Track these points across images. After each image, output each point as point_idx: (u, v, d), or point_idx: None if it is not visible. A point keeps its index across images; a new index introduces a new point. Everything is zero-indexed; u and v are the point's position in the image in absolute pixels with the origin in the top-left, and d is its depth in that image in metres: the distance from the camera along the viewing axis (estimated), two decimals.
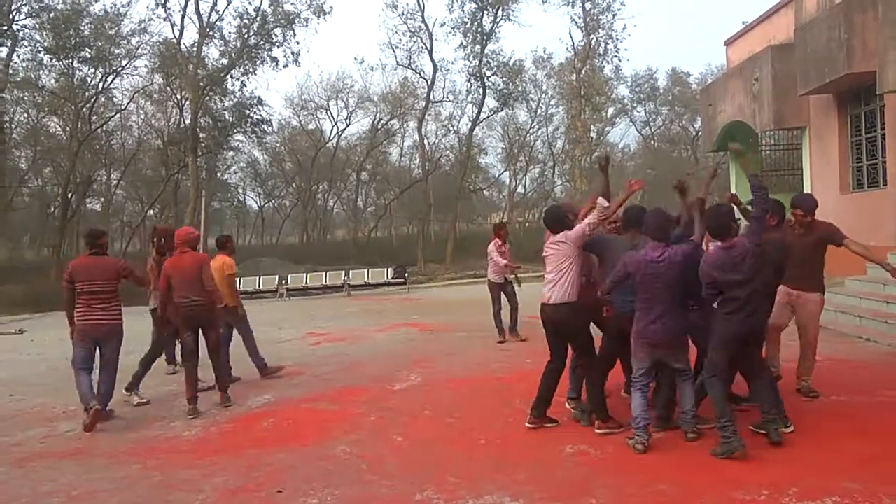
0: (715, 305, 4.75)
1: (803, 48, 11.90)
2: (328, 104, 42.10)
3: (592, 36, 30.53)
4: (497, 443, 5.02)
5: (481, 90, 34.67)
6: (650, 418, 4.80)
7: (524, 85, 37.99)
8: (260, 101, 31.39)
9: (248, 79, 30.47)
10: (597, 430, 5.02)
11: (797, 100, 12.88)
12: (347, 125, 43.17)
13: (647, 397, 4.87)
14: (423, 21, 33.87)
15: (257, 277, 21.50)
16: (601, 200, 5.04)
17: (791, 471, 4.10)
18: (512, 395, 6.22)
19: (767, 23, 14.93)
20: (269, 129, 34.54)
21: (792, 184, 14.53)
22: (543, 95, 41.24)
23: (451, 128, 41.48)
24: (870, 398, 5.57)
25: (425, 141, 39.19)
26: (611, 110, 41.61)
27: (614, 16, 30.57)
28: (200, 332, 6.45)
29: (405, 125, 41.68)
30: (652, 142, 46.87)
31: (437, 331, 10.77)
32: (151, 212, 36.85)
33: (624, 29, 40.78)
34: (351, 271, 21.45)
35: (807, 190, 13.34)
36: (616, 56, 32.21)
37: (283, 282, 21.02)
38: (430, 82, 35.58)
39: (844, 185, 12.47)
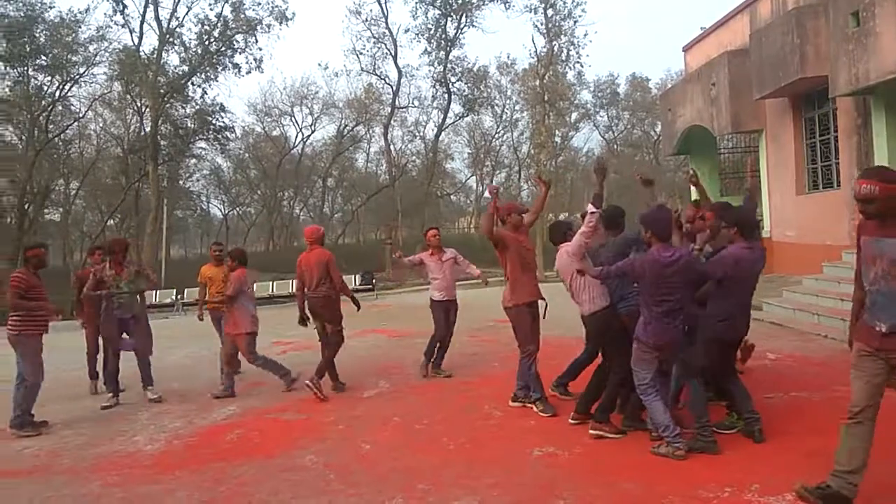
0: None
1: (758, 53, 12.22)
2: (292, 110, 41.89)
3: (555, 42, 30.86)
4: (466, 447, 5.03)
5: (446, 96, 34.84)
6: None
7: (489, 90, 38.37)
8: (222, 108, 31.14)
9: (209, 85, 30.18)
10: (591, 431, 5.01)
11: (753, 104, 13.21)
12: (312, 131, 43.06)
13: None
14: (387, 27, 33.94)
15: None
16: (589, 207, 5.02)
17: (752, 468, 4.19)
18: (480, 399, 6.24)
19: (724, 28, 15.30)
20: (232, 135, 34.23)
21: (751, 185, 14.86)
22: (508, 101, 41.68)
23: (416, 133, 41.68)
24: (827, 394, 5.71)
25: (391, 147, 39.19)
26: (574, 115, 42.17)
27: (575, 22, 30.97)
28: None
29: (371, 131, 41.73)
30: (615, 146, 47.53)
31: (406, 336, 10.73)
32: (112, 221, 36.06)
33: (585, 35, 41.68)
34: None
35: (764, 192, 13.68)
36: (578, 62, 32.63)
37: None
38: (395, 88, 35.62)
39: (801, 187, 12.82)
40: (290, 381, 7.28)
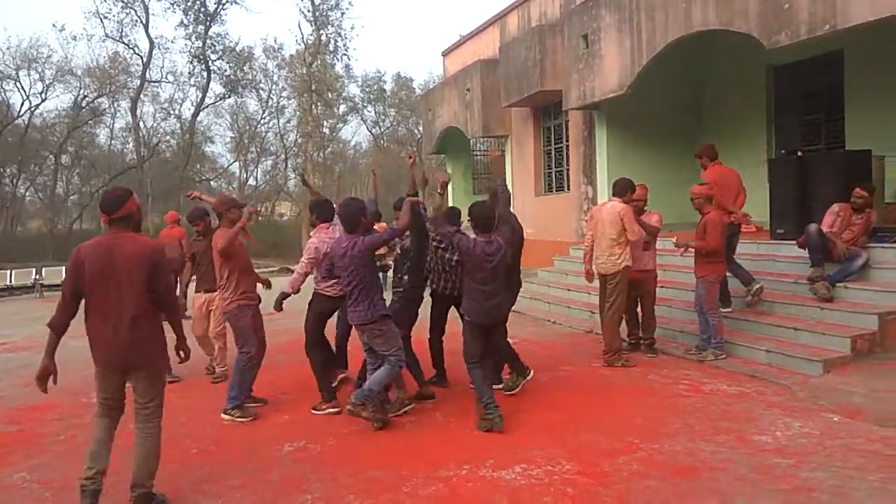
0: None
1: (506, 64, 13.32)
2: (17, 74, 35.80)
3: (322, 31, 30.58)
4: (211, 450, 4.77)
5: (205, 74, 32.65)
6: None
7: (254, 73, 36.69)
8: None
9: None
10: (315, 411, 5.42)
11: (501, 111, 14.38)
12: (43, 100, 37.25)
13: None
14: None
15: None
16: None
17: (487, 446, 4.56)
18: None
19: (478, 38, 16.41)
20: None
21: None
22: (274, 86, 40.21)
23: (171, 111, 38.29)
24: (552, 374, 6.42)
25: (141, 123, 35.63)
26: (343, 108, 42.18)
27: (343, 14, 30.97)
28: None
29: (116, 105, 37.31)
30: (382, 141, 48.56)
31: None
32: None
33: (352, 28, 41.73)
34: (44, 269, 18.50)
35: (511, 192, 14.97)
36: (346, 54, 32.79)
37: None
38: (145, 59, 32.44)
39: (538, 189, 14.27)
40: None
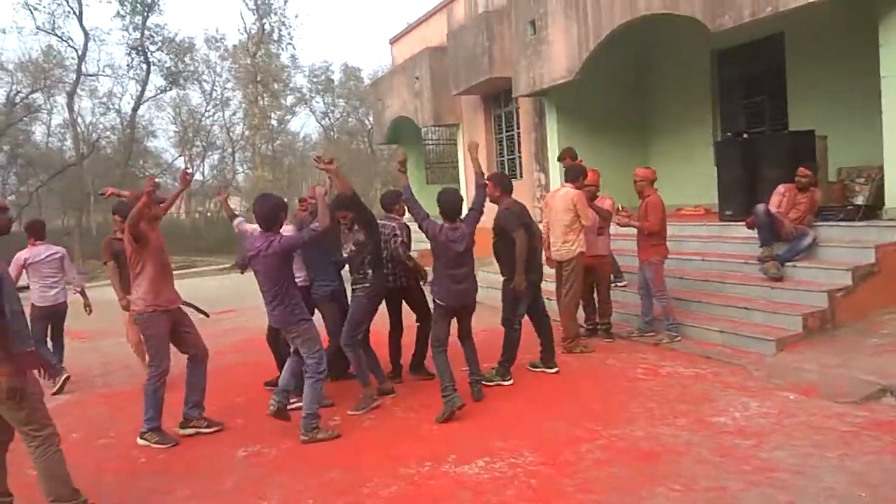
0: None
1: (454, 51, 13.18)
2: None
3: (265, 20, 29.87)
4: (160, 458, 4.59)
5: (145, 66, 31.48)
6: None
7: (196, 64, 35.58)
8: None
9: None
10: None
11: (452, 99, 14.24)
12: None
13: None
14: None
15: None
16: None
17: (450, 441, 4.47)
18: (174, 404, 5.66)
19: (425, 25, 16.18)
20: None
21: (453, 175, 16.07)
22: (218, 78, 39.15)
23: (111, 106, 36.87)
24: (516, 363, 6.34)
25: (79, 119, 34.25)
26: (290, 99, 41.40)
27: (286, 1, 30.33)
28: None
29: (52, 100, 35.84)
30: (332, 133, 47.87)
31: (95, 339, 9.44)
32: None
33: (297, 17, 40.87)
34: None
35: (462, 182, 14.88)
36: (290, 44, 32.08)
37: None
38: (81, 53, 31.07)
39: None
40: None
